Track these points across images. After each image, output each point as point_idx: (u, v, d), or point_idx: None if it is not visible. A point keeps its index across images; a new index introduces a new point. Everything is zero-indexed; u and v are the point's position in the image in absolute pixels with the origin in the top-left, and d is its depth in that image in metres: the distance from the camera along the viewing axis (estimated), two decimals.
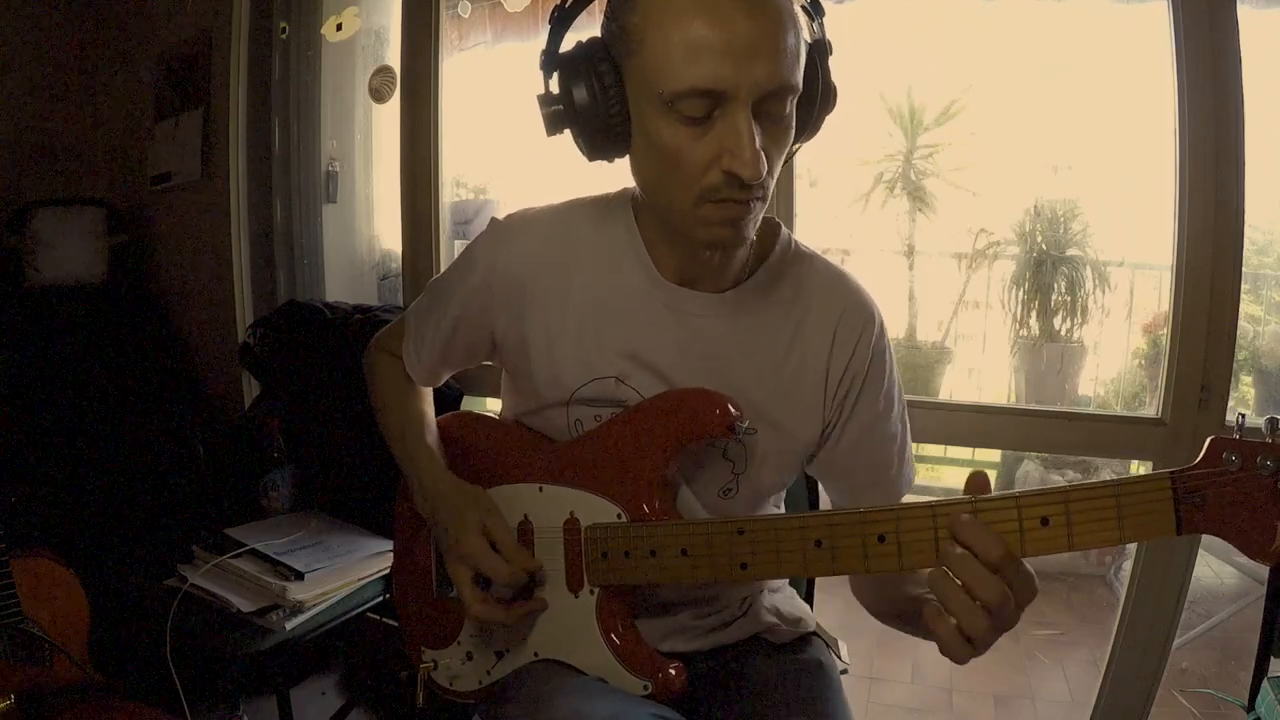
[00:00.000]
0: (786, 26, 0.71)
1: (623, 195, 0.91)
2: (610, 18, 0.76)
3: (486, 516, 0.87)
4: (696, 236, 0.79)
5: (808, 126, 0.80)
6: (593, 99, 0.75)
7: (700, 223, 0.77)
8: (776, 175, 0.77)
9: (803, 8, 0.77)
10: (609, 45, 0.75)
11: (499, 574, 0.84)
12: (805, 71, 0.75)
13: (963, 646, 0.66)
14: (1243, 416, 0.65)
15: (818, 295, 0.90)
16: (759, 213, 0.78)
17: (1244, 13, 1.31)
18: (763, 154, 0.71)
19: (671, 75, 0.70)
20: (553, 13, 0.78)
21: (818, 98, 0.78)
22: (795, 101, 0.74)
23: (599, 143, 0.78)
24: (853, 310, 0.90)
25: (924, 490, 3.44)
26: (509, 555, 0.85)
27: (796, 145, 0.82)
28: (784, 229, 0.94)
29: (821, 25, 0.79)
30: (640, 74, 0.73)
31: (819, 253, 0.94)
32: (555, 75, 0.77)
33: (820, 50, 0.78)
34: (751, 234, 0.79)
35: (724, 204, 0.74)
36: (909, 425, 0.95)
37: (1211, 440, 0.63)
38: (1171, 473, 0.63)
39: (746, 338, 0.88)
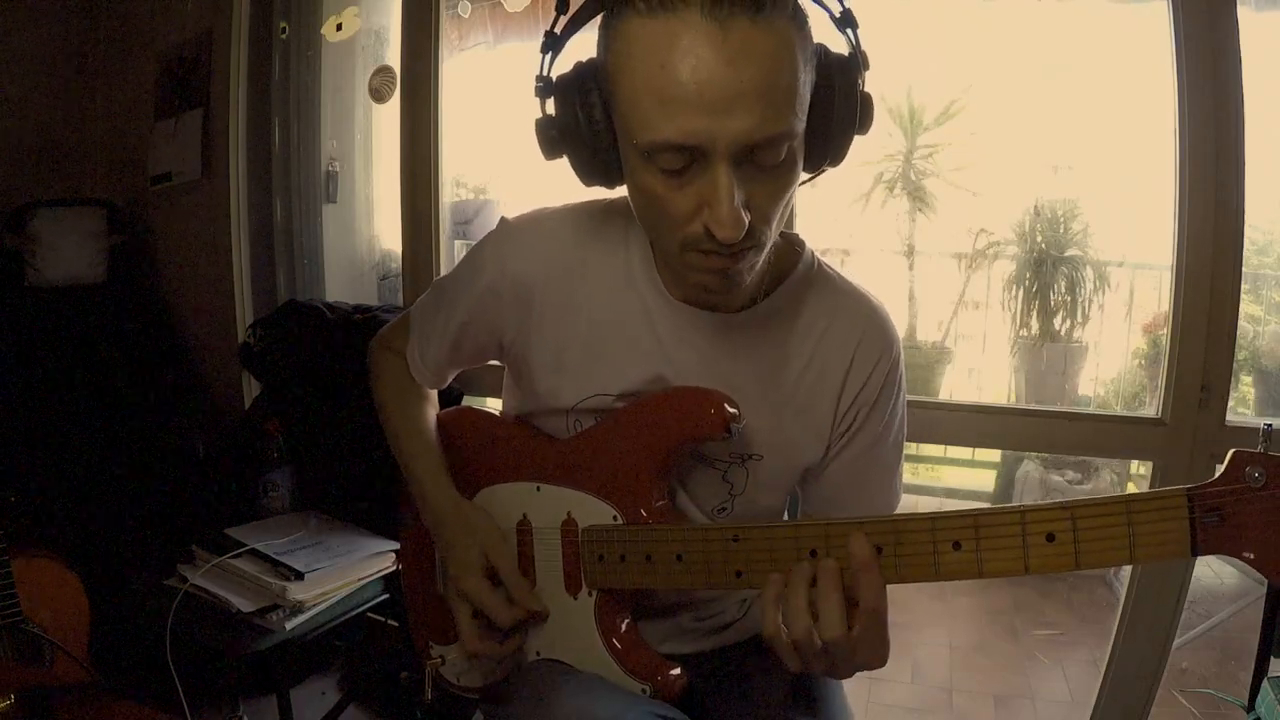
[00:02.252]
0: (777, 69, 0.62)
1: None
2: (597, 49, 0.70)
3: (490, 551, 0.86)
4: (686, 280, 0.75)
5: (829, 154, 0.72)
6: (581, 131, 0.71)
7: (687, 268, 0.73)
8: (777, 220, 0.71)
9: (832, 19, 0.72)
10: (598, 75, 0.70)
11: (500, 619, 0.84)
12: (822, 97, 0.68)
13: (790, 657, 0.69)
14: (1269, 426, 0.60)
15: (839, 319, 0.86)
16: (754, 260, 0.72)
17: (1244, 15, 1.30)
18: (743, 211, 0.65)
19: (643, 126, 0.65)
20: (544, 38, 0.74)
21: (836, 123, 0.70)
22: (794, 145, 0.67)
23: (592, 173, 0.74)
24: (872, 336, 0.87)
25: (924, 490, 3.44)
26: (513, 592, 0.85)
27: (821, 170, 0.75)
28: (807, 248, 0.89)
29: (855, 37, 0.71)
30: (619, 117, 0.69)
31: (842, 273, 0.90)
32: (550, 100, 0.73)
33: (845, 70, 0.69)
34: (745, 282, 0.75)
35: (709, 255, 0.70)
36: (903, 453, 0.93)
37: (1234, 453, 0.59)
38: (1188, 489, 0.59)
39: (758, 360, 0.86)
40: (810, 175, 0.76)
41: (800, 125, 0.67)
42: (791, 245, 0.89)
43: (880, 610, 0.68)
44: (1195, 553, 0.59)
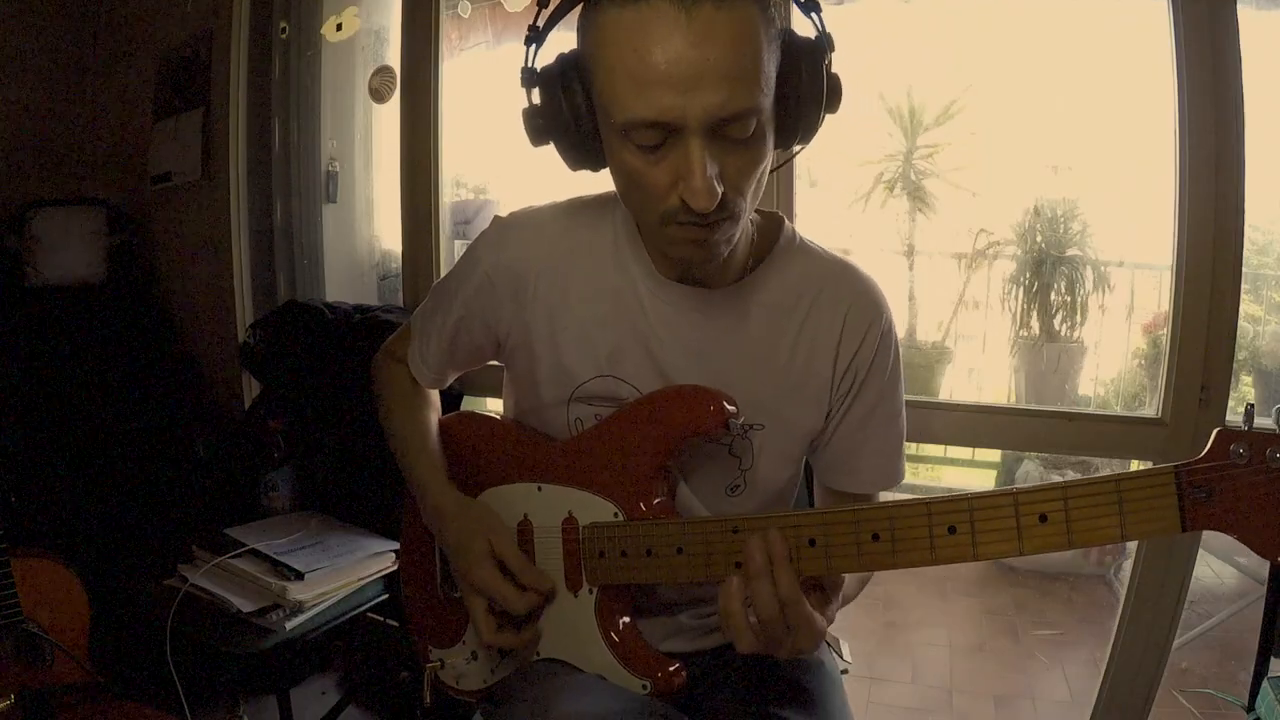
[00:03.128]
0: (739, 48, 0.67)
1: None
2: (577, 39, 0.75)
3: (494, 539, 0.87)
4: (668, 253, 0.79)
5: (799, 131, 0.76)
6: (565, 118, 0.75)
7: (667, 241, 0.77)
8: (751, 192, 0.75)
9: (798, 4, 0.75)
10: (579, 63, 0.75)
11: (514, 606, 0.84)
12: (788, 76, 0.73)
13: (746, 642, 0.73)
14: (1251, 407, 0.62)
15: (826, 287, 0.89)
16: (730, 232, 0.76)
17: (1244, 14, 1.30)
18: (716, 182, 0.70)
19: (618, 106, 0.69)
20: (528, 30, 0.78)
21: (803, 101, 0.74)
22: (763, 120, 0.71)
23: (577, 157, 0.79)
24: (861, 301, 0.90)
25: (924, 490, 3.44)
26: (521, 577, 0.85)
27: (797, 148, 0.80)
28: (787, 223, 0.93)
29: (820, 20, 0.75)
30: (598, 101, 0.73)
31: (823, 246, 0.93)
32: (535, 90, 0.77)
33: (810, 51, 0.74)
34: (723, 253, 0.79)
35: (687, 226, 0.74)
36: (905, 424, 0.95)
37: (1218, 432, 0.61)
38: (1175, 466, 0.61)
39: (749, 333, 0.88)
40: (787, 157, 0.80)
41: (766, 101, 0.71)
42: (772, 221, 0.92)
43: (795, 600, 0.72)
44: (1185, 528, 0.61)
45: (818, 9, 0.76)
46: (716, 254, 0.78)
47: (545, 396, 0.92)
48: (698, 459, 0.90)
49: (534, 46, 0.78)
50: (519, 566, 0.86)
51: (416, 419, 1.02)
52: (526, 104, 0.78)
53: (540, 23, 0.78)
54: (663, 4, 0.65)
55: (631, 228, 0.89)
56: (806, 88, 0.74)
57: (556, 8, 0.76)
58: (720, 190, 0.70)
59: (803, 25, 0.76)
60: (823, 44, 0.74)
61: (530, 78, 0.77)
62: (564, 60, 0.75)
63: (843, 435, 0.92)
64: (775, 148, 0.76)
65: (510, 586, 0.85)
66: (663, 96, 0.67)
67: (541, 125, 0.78)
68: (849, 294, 0.90)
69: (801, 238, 0.93)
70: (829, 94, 0.75)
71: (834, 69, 0.75)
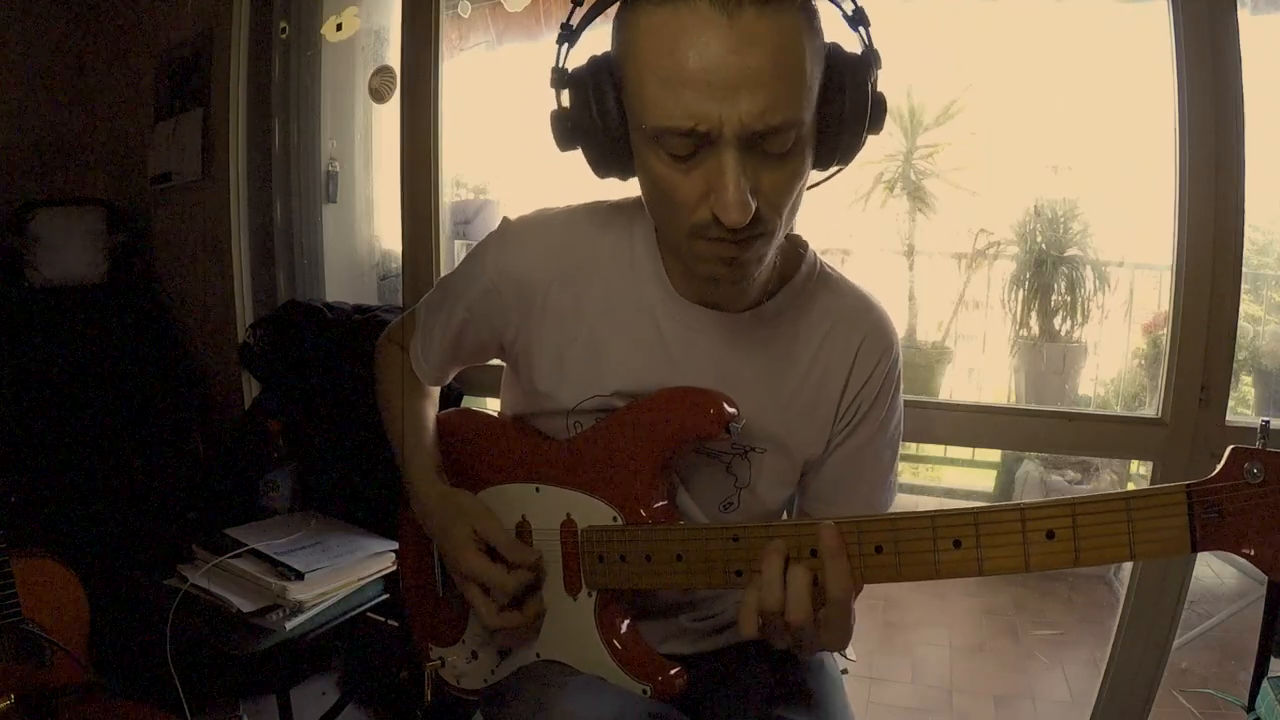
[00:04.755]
0: (783, 57, 0.63)
1: (640, 203, 0.83)
2: (611, 40, 0.72)
3: (476, 522, 0.86)
4: (695, 270, 0.75)
5: (839, 151, 0.72)
6: (594, 122, 0.72)
7: (695, 257, 0.73)
8: (787, 211, 0.71)
9: (845, 18, 0.72)
10: (612, 66, 0.71)
11: (504, 586, 0.84)
12: (832, 93, 0.69)
13: (754, 631, 0.74)
14: (1266, 424, 0.60)
15: (842, 320, 0.88)
16: (762, 251, 0.72)
17: (1244, 16, 1.30)
18: (750, 197, 0.66)
19: (650, 111, 0.66)
20: (561, 29, 0.75)
21: (847, 120, 0.70)
22: (803, 134, 0.67)
23: (604, 164, 0.75)
24: (874, 338, 0.88)
25: (924, 490, 3.44)
26: (507, 554, 0.85)
27: (835, 169, 0.76)
28: (810, 250, 0.90)
29: (867, 35, 0.71)
30: (628, 103, 0.70)
31: (845, 276, 0.91)
32: (565, 93, 0.74)
33: (856, 67, 0.70)
34: (754, 273, 0.75)
35: (716, 242, 0.70)
36: (898, 456, 0.94)
37: (1232, 450, 0.59)
38: (1188, 485, 0.59)
39: (762, 360, 0.86)
40: (823, 176, 0.77)
41: (808, 115, 0.67)
42: (795, 247, 0.90)
43: (845, 600, 0.71)
44: (1195, 549, 0.60)
45: (866, 23, 0.71)
46: (747, 274, 0.74)
47: (545, 406, 0.90)
48: (693, 475, 0.89)
49: (566, 46, 0.75)
50: (504, 545, 0.85)
51: (412, 409, 1.01)
52: (555, 105, 0.75)
53: (574, 21, 0.75)
54: (703, 5, 0.62)
55: (651, 243, 0.86)
56: (851, 106, 0.70)
57: (592, 6, 0.73)
58: (754, 205, 0.67)
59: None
60: (870, 60, 0.71)
61: (561, 78, 0.74)
62: (596, 62, 0.72)
63: (834, 465, 0.91)
64: (813, 167, 0.72)
65: (497, 569, 0.84)
66: (698, 102, 0.63)
67: (570, 129, 0.74)
68: (865, 326, 0.88)
69: (823, 265, 0.90)
70: (873, 113, 0.71)
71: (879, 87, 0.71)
